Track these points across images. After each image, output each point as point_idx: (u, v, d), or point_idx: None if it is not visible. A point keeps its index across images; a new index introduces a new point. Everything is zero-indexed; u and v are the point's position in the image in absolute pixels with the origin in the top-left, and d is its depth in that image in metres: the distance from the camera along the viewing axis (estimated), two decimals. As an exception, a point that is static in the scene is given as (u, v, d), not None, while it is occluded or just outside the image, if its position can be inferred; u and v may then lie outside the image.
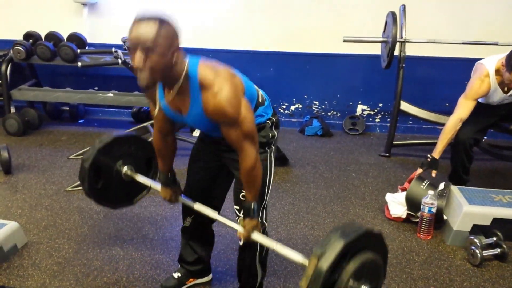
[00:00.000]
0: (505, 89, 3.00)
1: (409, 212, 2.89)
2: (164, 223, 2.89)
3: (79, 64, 3.35)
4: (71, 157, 3.83)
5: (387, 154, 4.07)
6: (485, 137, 3.35)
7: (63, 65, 4.36)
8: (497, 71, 2.94)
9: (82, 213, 2.97)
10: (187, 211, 2.17)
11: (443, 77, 4.50)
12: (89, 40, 4.63)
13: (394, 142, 4.08)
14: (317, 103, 4.81)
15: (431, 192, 2.73)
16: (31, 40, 4.48)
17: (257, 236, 1.85)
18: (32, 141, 4.23)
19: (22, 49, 4.28)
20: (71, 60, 4.25)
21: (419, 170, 3.00)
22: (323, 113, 4.82)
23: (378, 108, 4.76)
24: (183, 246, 2.27)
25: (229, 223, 1.92)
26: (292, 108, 4.85)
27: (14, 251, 2.50)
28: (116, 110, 4.95)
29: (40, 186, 3.34)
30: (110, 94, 4.36)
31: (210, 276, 2.36)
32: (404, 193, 2.92)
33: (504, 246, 2.52)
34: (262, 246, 2.02)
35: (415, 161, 3.86)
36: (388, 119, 4.58)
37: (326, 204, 3.18)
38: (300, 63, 4.66)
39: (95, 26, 4.76)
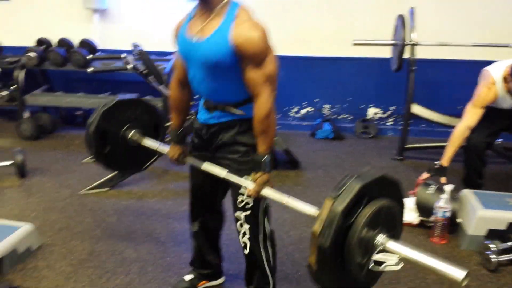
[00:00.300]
0: None
1: (422, 218, 2.86)
2: (176, 225, 2.90)
3: (89, 69, 3.39)
4: (83, 161, 3.86)
5: (400, 158, 4.05)
6: (499, 140, 3.31)
7: (75, 70, 4.42)
8: (505, 79, 2.89)
9: (95, 216, 3.00)
10: (194, 216, 2.17)
11: (454, 79, 4.47)
12: (100, 46, 4.69)
13: (406, 145, 4.05)
14: (328, 106, 4.80)
15: (444, 196, 2.70)
16: (43, 47, 4.55)
17: (267, 192, 1.76)
18: (45, 146, 4.28)
19: (34, 55, 4.34)
20: (82, 66, 4.30)
21: (425, 175, 2.96)
22: (334, 116, 4.81)
23: (390, 111, 4.74)
24: (194, 250, 2.28)
25: (238, 179, 1.81)
26: (303, 111, 4.85)
27: (29, 253, 2.53)
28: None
29: (54, 189, 3.38)
30: (122, 99, 4.40)
31: (223, 279, 2.36)
32: (414, 198, 2.90)
33: (520, 250, 2.49)
34: (267, 251, 1.99)
35: (428, 164, 3.79)
36: (400, 122, 4.56)
37: (338, 207, 3.16)
38: (310, 66, 4.67)
39: (105, 32, 4.83)
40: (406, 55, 3.82)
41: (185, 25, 1.82)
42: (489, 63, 3.12)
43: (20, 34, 4.94)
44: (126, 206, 3.15)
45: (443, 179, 2.92)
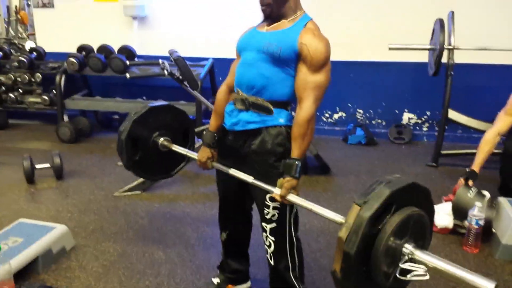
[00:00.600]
0: None
1: (456, 223, 2.79)
2: (206, 229, 2.93)
3: (127, 75, 3.47)
4: (119, 163, 3.96)
5: (435, 164, 3.95)
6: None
7: (114, 76, 4.55)
8: None
9: (128, 218, 3.07)
10: (223, 226, 2.20)
11: (493, 85, 4.34)
12: (138, 52, 4.82)
13: (442, 152, 3.95)
14: (361, 111, 4.74)
15: (478, 203, 2.62)
16: (84, 53, 4.71)
17: (293, 198, 1.74)
18: (83, 149, 4.43)
19: (75, 61, 4.51)
20: (121, 71, 4.43)
21: (462, 181, 2.88)
22: (367, 121, 4.75)
23: (426, 117, 4.64)
24: (223, 255, 2.30)
25: (264, 185, 1.81)
26: (336, 116, 4.81)
27: (63, 253, 2.61)
28: (163, 118, 5.09)
29: (89, 191, 3.49)
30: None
31: (249, 283, 2.36)
32: (449, 203, 2.82)
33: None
34: (293, 261, 1.95)
35: (464, 171, 3.71)
36: (436, 128, 4.45)
37: (368, 214, 3.12)
38: (344, 71, 4.63)
39: (144, 39, 4.95)
40: (444, 59, 3.73)
41: (254, 28, 1.90)
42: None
43: (62, 40, 5.14)
44: (157, 209, 3.21)
45: (471, 182, 2.85)
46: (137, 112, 2.28)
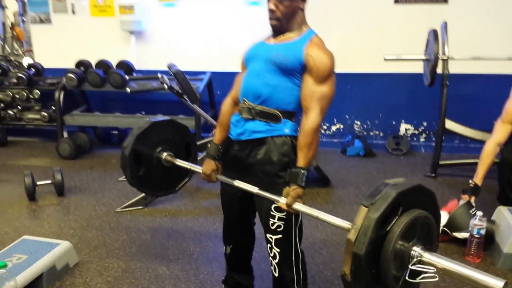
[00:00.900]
0: None
1: (443, 228, 2.81)
2: (209, 243, 2.94)
3: (128, 90, 3.50)
4: (120, 179, 3.98)
5: (433, 175, 3.98)
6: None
7: (112, 91, 4.57)
8: None
9: (130, 233, 3.08)
10: (227, 239, 2.20)
11: (489, 94, 4.40)
12: (137, 66, 4.85)
13: (440, 162, 3.99)
14: (358, 123, 4.79)
15: (479, 212, 2.65)
16: (82, 68, 4.73)
17: (299, 206, 1.76)
18: (83, 165, 4.43)
19: (74, 76, 4.53)
20: (120, 86, 4.45)
21: (465, 197, 2.89)
22: (365, 133, 4.79)
23: (423, 127, 4.69)
24: (227, 270, 2.31)
25: (270, 195, 1.82)
26: (333, 128, 4.85)
27: (66, 269, 2.61)
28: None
29: (91, 207, 3.49)
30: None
31: (254, 297, 2.38)
32: (445, 213, 2.85)
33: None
34: (298, 273, 1.96)
35: (463, 181, 3.74)
36: (434, 138, 4.50)
37: (369, 225, 3.14)
38: (341, 83, 4.55)
39: (141, 53, 4.99)
40: (439, 70, 3.79)
41: (261, 41, 1.96)
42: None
43: (60, 56, 5.18)
44: (160, 224, 3.22)
45: (473, 199, 2.87)
46: (140, 127, 2.31)
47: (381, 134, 4.76)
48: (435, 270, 1.39)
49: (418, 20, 4.37)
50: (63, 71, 4.63)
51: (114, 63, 4.78)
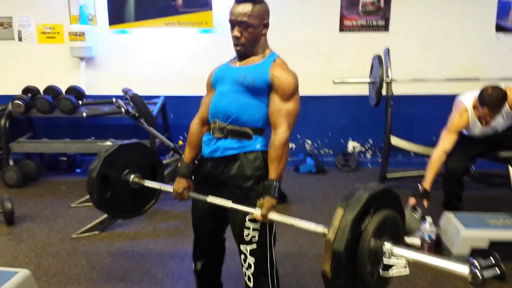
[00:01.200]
0: (483, 122, 3.18)
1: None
2: (172, 264, 2.93)
3: (84, 114, 3.46)
4: (73, 205, 3.88)
5: (382, 188, 4.18)
6: (473, 167, 3.51)
7: (60, 116, 4.47)
8: (475, 106, 3.17)
9: (89, 258, 3.01)
10: (197, 255, 2.21)
11: (429, 113, 4.74)
12: (87, 92, 4.78)
13: (388, 176, 4.22)
14: (309, 142, 4.97)
15: (429, 219, 2.84)
16: (30, 94, 4.61)
17: (274, 216, 1.83)
18: (32, 192, 4.28)
19: (21, 103, 4.39)
20: (70, 112, 4.37)
21: (413, 200, 3.07)
22: (315, 151, 4.98)
23: (369, 144, 4.94)
24: (197, 286, 2.29)
25: (244, 208, 1.88)
26: (286, 148, 4.99)
27: (26, 298, 2.51)
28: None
29: (44, 234, 3.37)
30: (108, 143, 4.44)
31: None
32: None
33: (503, 266, 2.62)
34: (273, 282, 2.01)
35: (409, 193, 3.96)
36: (379, 154, 4.76)
37: (327, 238, 3.25)
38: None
39: (92, 79, 4.94)
40: (383, 91, 4.05)
41: (226, 63, 2.06)
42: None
43: (5, 83, 5.01)
44: (119, 248, 3.17)
45: (425, 202, 3.05)
46: (107, 150, 2.31)
47: (331, 152, 4.97)
48: (406, 263, 1.51)
49: (362, 47, 4.67)
50: (8, 98, 4.48)
51: (63, 89, 4.69)
